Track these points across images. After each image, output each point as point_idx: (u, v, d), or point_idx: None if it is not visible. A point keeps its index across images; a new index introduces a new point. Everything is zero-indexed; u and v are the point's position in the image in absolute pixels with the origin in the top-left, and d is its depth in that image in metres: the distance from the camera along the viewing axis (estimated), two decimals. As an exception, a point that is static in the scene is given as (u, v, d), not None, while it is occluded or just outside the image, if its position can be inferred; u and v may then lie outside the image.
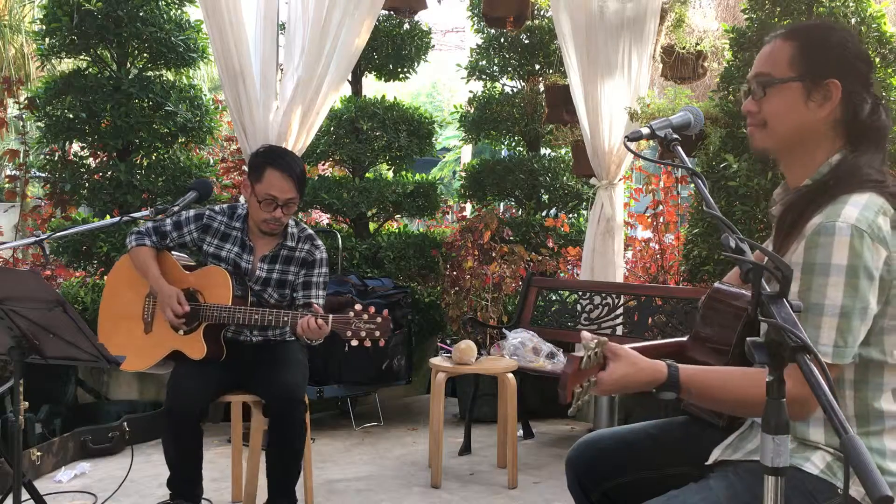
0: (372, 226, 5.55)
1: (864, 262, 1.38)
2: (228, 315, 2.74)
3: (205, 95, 5.19)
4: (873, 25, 3.50)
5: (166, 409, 2.71)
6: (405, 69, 5.63)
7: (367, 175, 5.49)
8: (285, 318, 2.68)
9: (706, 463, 1.60)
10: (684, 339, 1.76)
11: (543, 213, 5.91)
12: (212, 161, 5.49)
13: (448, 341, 4.76)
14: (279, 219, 2.85)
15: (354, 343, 2.55)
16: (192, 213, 2.94)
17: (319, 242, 3.02)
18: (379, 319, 2.54)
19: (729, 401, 1.47)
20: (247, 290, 2.86)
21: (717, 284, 1.71)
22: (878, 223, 1.40)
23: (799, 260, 1.42)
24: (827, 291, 1.38)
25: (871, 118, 1.53)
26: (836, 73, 1.50)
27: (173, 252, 2.99)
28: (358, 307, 2.56)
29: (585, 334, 1.49)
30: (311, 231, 3.04)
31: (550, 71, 5.68)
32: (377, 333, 2.54)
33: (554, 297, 4.53)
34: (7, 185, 6.85)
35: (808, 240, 1.41)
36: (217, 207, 3.01)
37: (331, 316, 2.60)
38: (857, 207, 1.41)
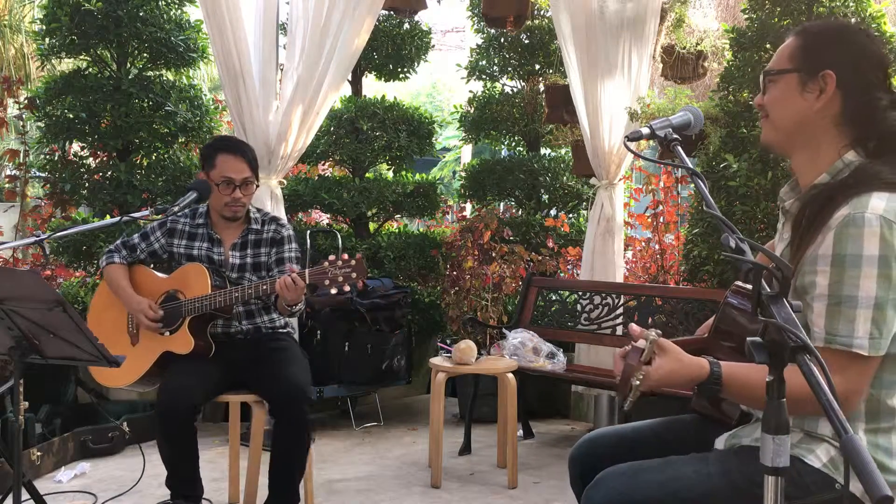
0: (372, 226, 5.55)
1: (895, 253, 1.37)
2: (210, 302, 2.76)
3: (205, 95, 5.19)
4: (873, 25, 3.50)
5: (157, 409, 2.71)
6: (405, 69, 5.63)
7: (367, 175, 5.49)
8: (264, 287, 2.70)
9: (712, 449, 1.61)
10: (705, 335, 1.76)
11: (543, 213, 5.90)
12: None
13: (448, 341, 4.76)
14: (239, 199, 2.92)
15: (334, 291, 2.56)
16: (156, 222, 3.02)
17: (284, 221, 3.10)
18: (353, 262, 2.56)
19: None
20: (224, 281, 2.89)
21: (736, 283, 1.70)
22: None
23: (827, 252, 1.41)
24: (860, 283, 1.38)
25: (889, 121, 1.51)
26: (831, 65, 1.50)
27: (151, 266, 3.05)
28: (332, 257, 2.58)
29: (635, 327, 1.48)
30: (273, 214, 3.13)
31: (550, 71, 5.68)
32: (354, 275, 2.55)
33: (554, 297, 4.53)
34: (7, 185, 6.84)
35: (836, 232, 1.41)
36: (179, 213, 3.03)
37: (307, 270, 2.62)
38: (883, 200, 1.41)
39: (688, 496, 1.51)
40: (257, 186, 3.04)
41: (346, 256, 2.57)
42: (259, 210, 3.11)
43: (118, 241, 3.04)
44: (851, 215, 1.40)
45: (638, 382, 1.41)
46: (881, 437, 1.45)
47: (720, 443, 1.61)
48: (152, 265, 3.07)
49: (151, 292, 2.93)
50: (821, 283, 1.42)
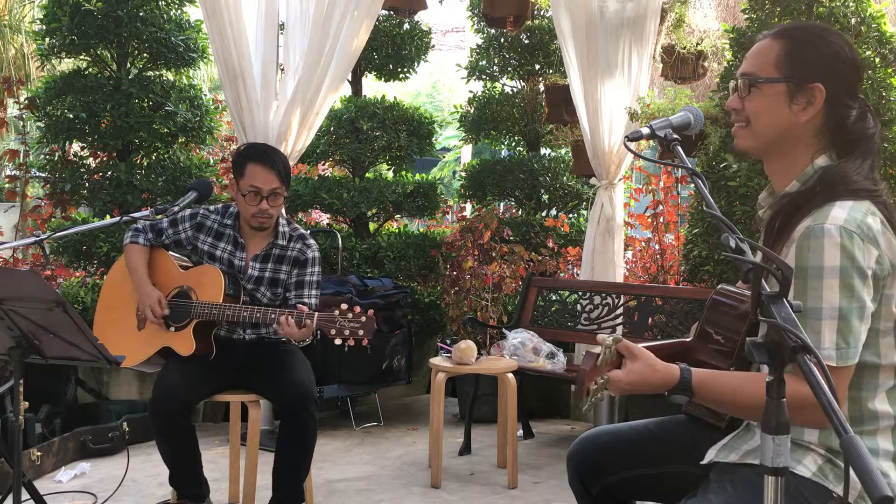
0: (372, 226, 5.55)
1: (856, 263, 1.38)
2: (218, 312, 2.74)
3: (205, 95, 5.19)
4: (873, 25, 3.50)
5: (150, 405, 2.72)
6: (405, 69, 5.63)
7: (367, 175, 5.49)
8: (272, 316, 2.67)
9: (701, 462, 1.60)
10: (688, 339, 1.76)
11: (543, 213, 5.90)
12: (212, 161, 5.50)
13: (448, 341, 4.76)
14: (266, 211, 2.85)
15: (338, 342, 2.55)
16: (187, 212, 2.97)
17: (312, 242, 3.01)
18: (363, 319, 2.54)
19: (740, 405, 1.46)
20: (239, 290, 2.87)
21: (721, 286, 1.71)
22: (867, 223, 1.41)
23: (790, 265, 1.41)
24: (823, 294, 1.38)
25: (858, 126, 1.53)
26: (821, 78, 1.50)
27: (172, 252, 3.01)
28: (344, 306, 2.56)
29: (602, 336, 1.51)
30: (303, 231, 3.04)
31: (550, 71, 5.68)
32: (360, 333, 2.54)
33: (554, 297, 4.53)
34: (7, 185, 6.84)
35: (798, 244, 1.42)
36: (211, 207, 3.04)
37: (316, 314, 2.60)
38: (845, 210, 1.41)
39: None
40: (286, 197, 2.98)
41: (357, 309, 2.56)
42: (289, 223, 3.03)
43: (146, 222, 2.95)
44: (812, 227, 1.40)
45: (595, 386, 1.43)
46: (866, 439, 1.46)
47: (711, 453, 1.60)
48: (172, 253, 3.04)
49: (167, 283, 2.91)
50: None
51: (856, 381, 1.44)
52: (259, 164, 2.84)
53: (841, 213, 1.41)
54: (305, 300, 2.88)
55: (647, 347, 1.53)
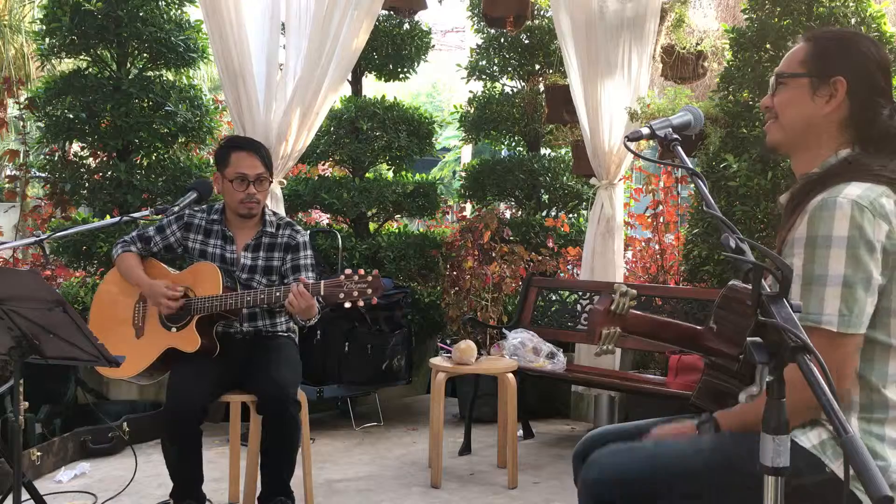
0: (372, 226, 5.55)
1: (864, 234, 1.41)
2: (220, 303, 2.74)
3: (205, 95, 5.19)
4: (873, 25, 3.50)
5: (166, 411, 2.70)
6: (405, 69, 5.63)
7: (367, 175, 5.49)
8: (277, 294, 2.69)
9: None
10: (699, 327, 1.78)
11: (543, 213, 5.90)
12: (212, 161, 5.49)
13: (448, 341, 4.76)
14: (254, 195, 2.92)
15: (348, 305, 2.57)
16: (172, 216, 2.99)
17: (299, 227, 3.08)
18: (370, 278, 2.58)
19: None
20: (235, 282, 2.89)
21: (731, 282, 1.73)
22: (880, 201, 1.44)
23: (802, 235, 1.46)
24: (829, 263, 1.42)
25: (887, 123, 1.57)
26: (842, 72, 1.56)
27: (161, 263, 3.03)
28: (348, 271, 2.60)
29: (619, 285, 1.57)
30: (289, 219, 3.12)
31: (550, 71, 5.68)
32: (369, 291, 2.57)
33: (554, 297, 4.53)
34: (7, 185, 6.84)
35: (810, 215, 1.46)
36: (196, 207, 3.05)
37: (322, 281, 2.62)
38: (860, 188, 1.46)
39: (677, 470, 1.55)
40: (271, 183, 3.04)
41: (362, 272, 2.59)
42: (275, 213, 3.09)
43: (133, 234, 3.02)
44: (825, 199, 1.45)
45: (608, 332, 1.47)
46: (874, 426, 1.48)
47: None
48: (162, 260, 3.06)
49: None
50: (796, 265, 1.46)
51: (866, 363, 1.46)
52: (243, 151, 2.93)
53: (856, 189, 1.45)
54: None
55: (658, 321, 1.56)
